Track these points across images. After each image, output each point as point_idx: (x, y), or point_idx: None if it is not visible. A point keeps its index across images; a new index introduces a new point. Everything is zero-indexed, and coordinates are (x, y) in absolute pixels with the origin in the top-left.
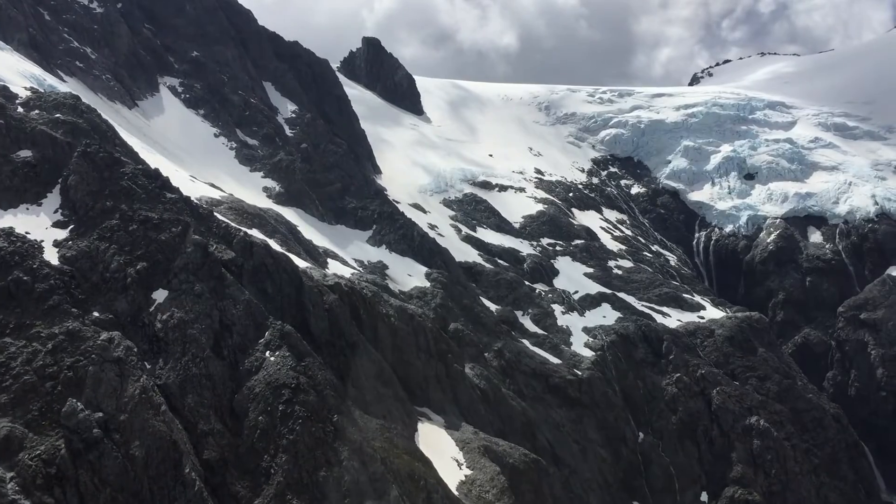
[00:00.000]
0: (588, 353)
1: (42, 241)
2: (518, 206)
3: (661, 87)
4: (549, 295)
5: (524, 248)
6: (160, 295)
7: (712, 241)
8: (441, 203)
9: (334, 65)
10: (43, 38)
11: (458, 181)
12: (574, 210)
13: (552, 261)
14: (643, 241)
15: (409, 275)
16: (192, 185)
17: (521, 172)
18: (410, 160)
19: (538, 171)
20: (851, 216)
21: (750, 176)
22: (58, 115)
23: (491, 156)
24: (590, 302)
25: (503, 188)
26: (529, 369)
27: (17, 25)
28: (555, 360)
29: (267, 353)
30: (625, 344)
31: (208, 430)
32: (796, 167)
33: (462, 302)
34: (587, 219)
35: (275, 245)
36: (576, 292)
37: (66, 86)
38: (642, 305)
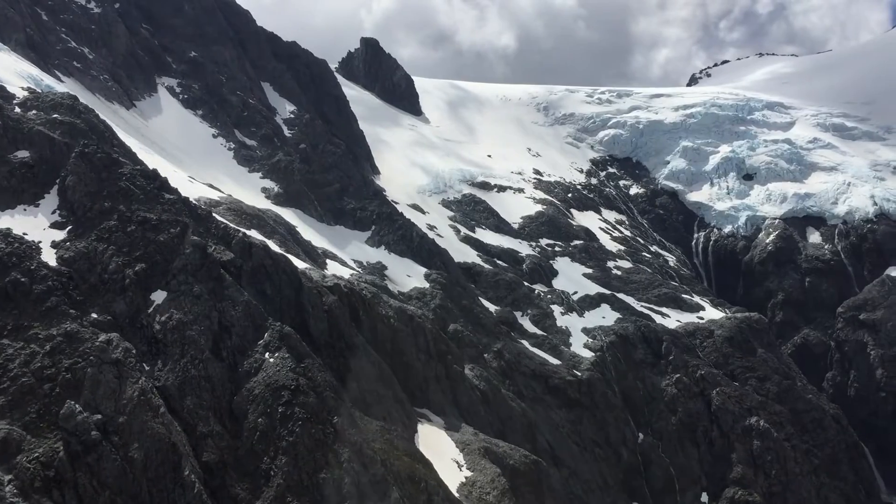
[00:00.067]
0: (587, 353)
1: (40, 242)
2: (517, 207)
3: (659, 88)
4: (549, 296)
5: (523, 248)
6: (159, 296)
7: (711, 242)
8: (440, 204)
9: (332, 65)
10: (40, 39)
11: (457, 182)
12: (573, 211)
13: (551, 261)
14: (642, 241)
15: (408, 275)
16: (190, 185)
17: (519, 173)
18: (409, 161)
19: (537, 172)
20: (850, 217)
21: (749, 176)
22: (55, 116)
23: (489, 156)
24: (589, 302)
25: (502, 189)
26: (529, 370)
27: (14, 25)
28: (554, 361)
29: (266, 355)
30: (624, 345)
31: (207, 432)
32: (795, 168)
33: (461, 303)
34: (586, 219)
35: (274, 246)
36: (575, 293)
37: (63, 86)
38: (641, 306)
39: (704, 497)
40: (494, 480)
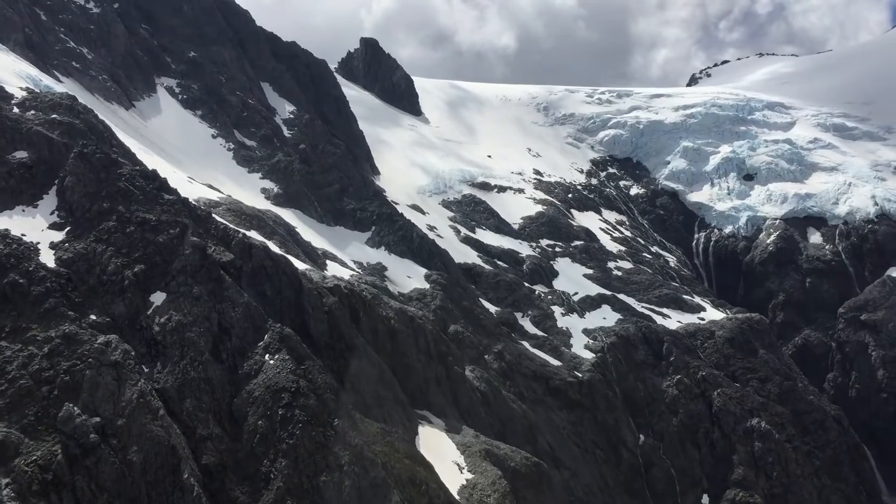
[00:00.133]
0: (588, 354)
1: (38, 243)
2: (517, 207)
3: (659, 88)
4: (549, 296)
5: (523, 249)
6: (158, 298)
7: (712, 242)
8: (440, 204)
9: (332, 65)
10: (39, 39)
11: (457, 182)
12: (573, 211)
13: (552, 262)
14: (642, 242)
15: (408, 276)
16: (189, 186)
17: (519, 173)
18: (409, 161)
19: (537, 172)
20: (851, 217)
21: (749, 177)
22: (54, 116)
23: (489, 157)
24: (590, 303)
25: (502, 189)
26: (530, 371)
27: (12, 25)
28: (555, 363)
29: (266, 357)
30: (625, 346)
31: (207, 435)
32: (796, 168)
33: (462, 304)
34: (586, 220)
35: (274, 247)
36: (575, 294)
37: (62, 86)
38: (642, 307)
39: (705, 499)
40: (495, 483)
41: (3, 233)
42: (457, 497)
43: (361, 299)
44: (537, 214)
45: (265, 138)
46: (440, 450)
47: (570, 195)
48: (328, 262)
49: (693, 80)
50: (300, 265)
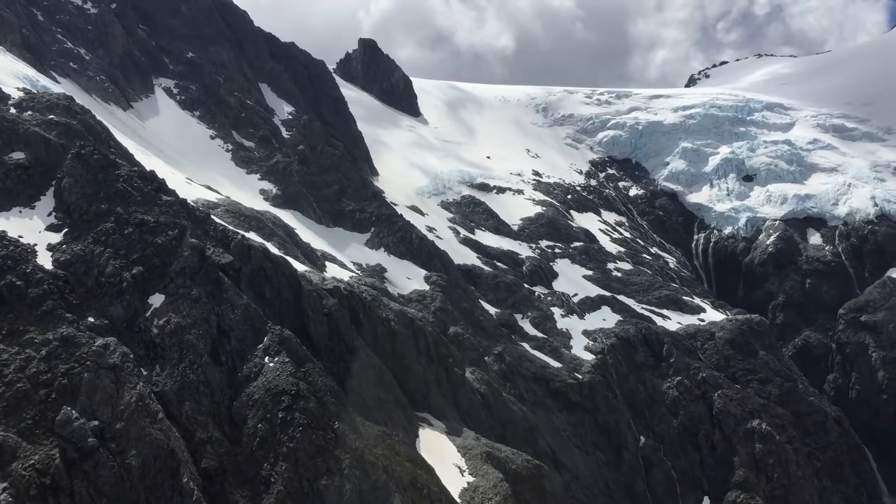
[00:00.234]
0: (588, 356)
1: (35, 244)
2: (516, 208)
3: (658, 89)
4: (549, 298)
5: (523, 250)
6: (157, 300)
7: (711, 243)
8: (439, 205)
9: (331, 66)
10: (36, 39)
11: (456, 183)
12: (572, 212)
13: (551, 263)
14: (642, 243)
15: (407, 278)
16: (188, 187)
17: (519, 174)
18: (408, 162)
19: (536, 173)
20: (851, 218)
21: (749, 177)
22: (51, 117)
23: (489, 157)
24: (589, 305)
25: (501, 190)
26: (530, 373)
27: (9, 26)
28: (555, 364)
29: (266, 359)
30: (625, 347)
31: (206, 438)
32: (795, 169)
33: (461, 305)
34: (586, 221)
35: (273, 248)
36: (575, 295)
37: (59, 87)
38: (642, 308)
39: (706, 501)
40: (497, 486)
41: (0, 234)
42: (458, 500)
43: (361, 301)
44: (536, 215)
45: (264, 139)
46: (441, 452)
47: (569, 196)
48: (327, 263)
49: (692, 81)
50: (299, 267)
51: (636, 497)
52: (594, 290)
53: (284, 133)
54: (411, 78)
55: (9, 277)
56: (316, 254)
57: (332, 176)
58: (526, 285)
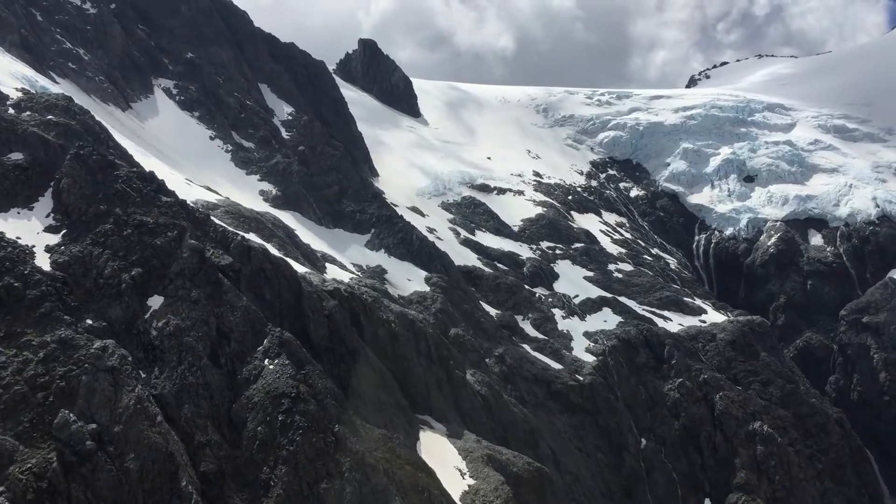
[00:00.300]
0: (589, 358)
1: (33, 246)
2: (517, 209)
3: (658, 90)
4: (550, 299)
5: (524, 251)
6: (156, 301)
7: (712, 245)
8: (439, 206)
9: (330, 67)
10: (35, 39)
11: (457, 184)
12: (573, 213)
13: (552, 264)
14: (643, 244)
15: (408, 279)
16: (187, 188)
17: (519, 175)
18: (408, 162)
19: (537, 174)
20: (852, 219)
21: (750, 178)
22: (50, 117)
23: (489, 158)
24: (590, 306)
25: (502, 191)
26: (531, 375)
27: (8, 26)
28: (556, 366)
29: (266, 361)
30: (626, 349)
31: (205, 442)
32: (796, 169)
33: (462, 307)
34: (586, 222)
35: (273, 249)
36: (576, 296)
37: (58, 87)
38: (643, 309)
39: (707, 503)
40: (498, 489)
41: None
42: (459, 503)
43: (362, 303)
44: (537, 216)
45: (263, 140)
46: (442, 455)
47: (569, 197)
48: (327, 264)
49: (692, 82)
50: (299, 268)
51: (637, 499)
52: (595, 292)
53: (284, 134)
54: (411, 78)
55: (7, 279)
56: (316, 255)
57: (332, 177)
58: (527, 287)
